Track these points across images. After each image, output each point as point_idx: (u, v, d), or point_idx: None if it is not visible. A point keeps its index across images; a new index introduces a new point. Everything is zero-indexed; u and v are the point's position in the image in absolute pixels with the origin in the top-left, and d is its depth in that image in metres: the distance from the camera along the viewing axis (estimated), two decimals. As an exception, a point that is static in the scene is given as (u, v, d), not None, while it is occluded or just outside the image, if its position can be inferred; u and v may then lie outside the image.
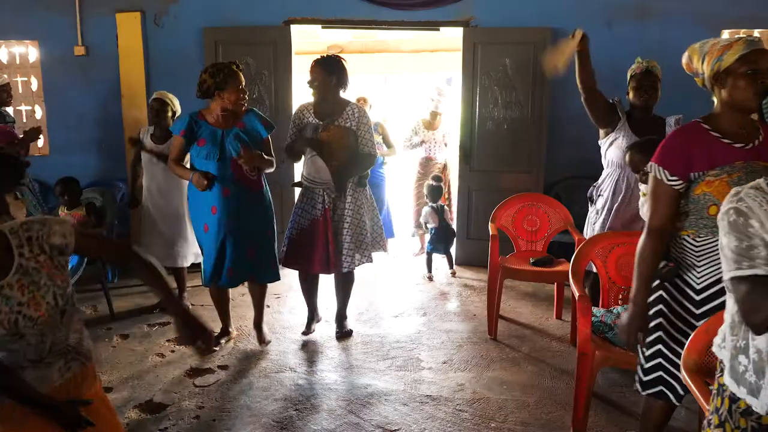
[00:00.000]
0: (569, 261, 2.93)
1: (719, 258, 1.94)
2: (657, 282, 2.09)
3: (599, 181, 3.42)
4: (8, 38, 5.12)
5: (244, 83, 3.27)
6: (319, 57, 3.47)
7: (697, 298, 2.01)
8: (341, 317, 3.77)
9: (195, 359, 3.36)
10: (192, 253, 4.08)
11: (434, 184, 4.97)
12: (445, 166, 5.67)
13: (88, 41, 5.05)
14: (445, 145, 5.64)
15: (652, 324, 2.10)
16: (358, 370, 3.28)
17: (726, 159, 1.93)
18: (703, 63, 1.97)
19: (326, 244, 3.40)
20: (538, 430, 2.69)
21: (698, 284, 2.00)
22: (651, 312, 2.11)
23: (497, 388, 3.06)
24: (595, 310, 2.71)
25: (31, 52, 5.12)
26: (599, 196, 3.37)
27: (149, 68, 5.05)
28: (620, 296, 2.87)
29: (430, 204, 4.95)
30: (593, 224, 3.38)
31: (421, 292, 4.62)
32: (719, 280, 1.94)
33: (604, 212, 3.30)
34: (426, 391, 3.03)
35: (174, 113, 4.04)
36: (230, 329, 3.67)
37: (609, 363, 2.61)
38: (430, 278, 4.92)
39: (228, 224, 3.24)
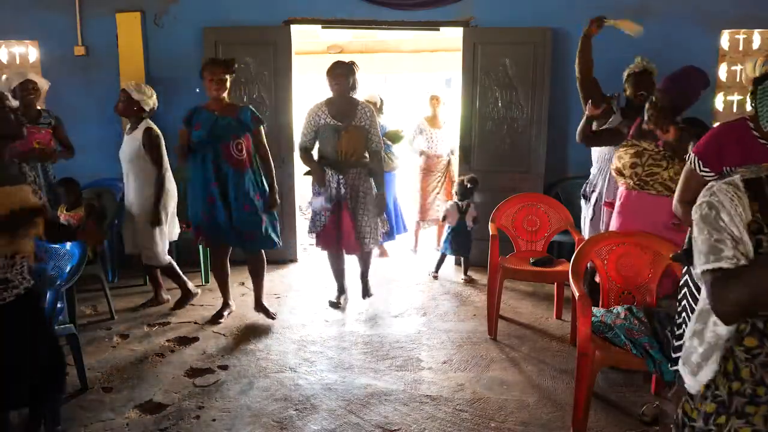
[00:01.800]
0: (569, 261, 2.93)
1: None
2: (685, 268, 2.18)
3: (591, 177, 3.45)
4: (8, 38, 5.11)
5: (219, 76, 3.59)
6: (337, 61, 3.90)
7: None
8: (364, 281, 4.28)
9: (195, 359, 3.37)
10: (163, 252, 4.00)
11: (468, 185, 4.79)
12: (449, 162, 5.67)
13: (88, 41, 5.05)
14: (451, 153, 5.63)
15: (679, 308, 2.19)
16: (358, 370, 3.27)
17: (758, 159, 1.95)
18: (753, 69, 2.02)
19: (350, 229, 3.92)
20: (538, 430, 2.69)
21: None
22: (679, 296, 2.17)
23: (497, 388, 3.06)
24: (595, 310, 2.71)
25: (31, 52, 5.12)
26: (592, 192, 3.40)
27: (149, 68, 5.05)
28: (620, 296, 2.87)
29: (456, 200, 4.87)
30: (588, 219, 3.40)
31: (421, 292, 4.62)
32: None
33: (596, 206, 3.34)
34: (426, 391, 3.03)
35: (136, 102, 3.85)
36: (230, 302, 4.04)
37: (609, 363, 2.61)
38: (435, 277, 4.93)
39: (222, 196, 3.66)
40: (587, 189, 3.45)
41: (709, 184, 1.35)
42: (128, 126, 4.02)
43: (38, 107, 4.25)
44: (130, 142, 3.92)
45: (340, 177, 3.82)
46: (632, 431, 2.67)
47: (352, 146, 3.84)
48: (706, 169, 2.05)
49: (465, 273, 4.94)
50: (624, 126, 3.12)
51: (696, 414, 1.37)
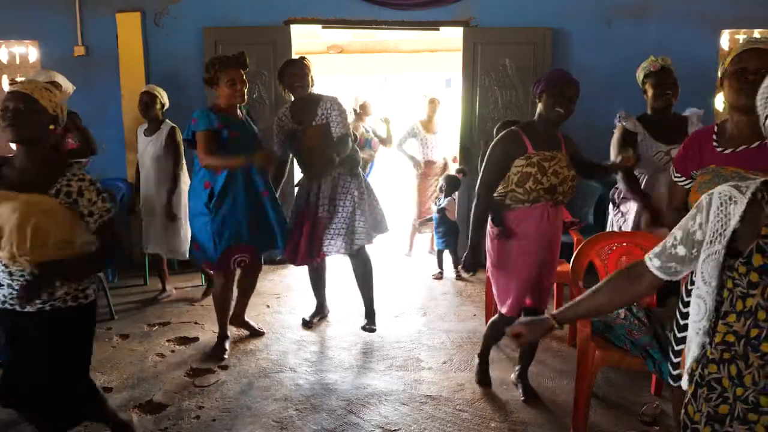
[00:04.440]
0: (569, 261, 2.93)
1: None
2: None
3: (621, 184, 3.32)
4: (8, 38, 5.12)
5: (242, 76, 3.36)
6: (290, 60, 3.70)
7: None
8: (369, 313, 3.81)
9: (195, 359, 3.37)
10: (187, 248, 4.02)
11: (457, 175, 4.94)
12: (445, 166, 5.66)
13: (88, 41, 5.05)
14: (445, 160, 5.61)
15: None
16: (358, 370, 3.28)
17: (709, 162, 1.98)
18: None
19: (308, 234, 3.54)
20: (538, 430, 2.69)
21: None
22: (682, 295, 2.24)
23: (497, 388, 3.06)
24: (595, 310, 2.70)
25: (31, 52, 5.12)
26: (624, 198, 3.27)
27: (149, 68, 5.05)
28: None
29: (443, 196, 4.96)
30: (621, 227, 3.29)
31: (421, 292, 4.62)
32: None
33: (633, 217, 3.19)
34: (426, 391, 3.03)
35: (163, 105, 4.19)
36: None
37: (609, 363, 2.61)
38: (440, 276, 4.96)
39: (258, 198, 3.36)
40: (616, 195, 3.34)
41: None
42: (145, 128, 4.18)
43: None
44: (154, 142, 4.08)
45: (317, 186, 3.53)
46: (632, 431, 2.67)
47: (316, 144, 3.49)
48: (677, 175, 2.08)
49: (455, 267, 4.97)
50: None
51: (699, 416, 1.35)
